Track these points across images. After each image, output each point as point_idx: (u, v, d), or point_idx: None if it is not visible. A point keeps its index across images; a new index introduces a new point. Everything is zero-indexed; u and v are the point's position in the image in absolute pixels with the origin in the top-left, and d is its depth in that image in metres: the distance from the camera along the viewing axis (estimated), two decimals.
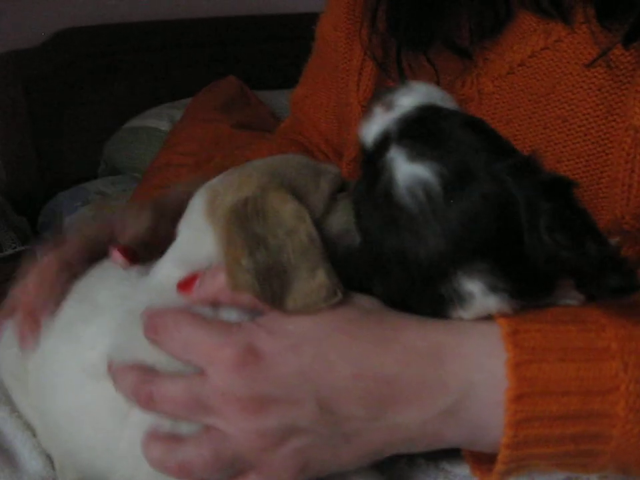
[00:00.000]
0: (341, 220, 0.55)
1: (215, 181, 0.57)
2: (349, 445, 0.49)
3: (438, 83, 0.79)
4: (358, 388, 0.49)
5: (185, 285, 0.54)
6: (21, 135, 2.25)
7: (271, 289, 0.49)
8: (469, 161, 0.49)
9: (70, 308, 0.61)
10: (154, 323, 0.52)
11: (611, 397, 0.47)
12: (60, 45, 2.29)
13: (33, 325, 0.61)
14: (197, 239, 0.55)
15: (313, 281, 0.50)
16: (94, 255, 0.65)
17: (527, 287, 0.50)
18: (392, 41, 0.81)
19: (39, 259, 0.65)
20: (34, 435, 0.64)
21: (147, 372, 0.52)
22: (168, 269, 0.56)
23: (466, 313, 0.50)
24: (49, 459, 0.63)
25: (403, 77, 0.81)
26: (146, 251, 0.66)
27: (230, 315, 0.52)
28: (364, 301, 0.52)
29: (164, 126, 2.23)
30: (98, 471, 0.57)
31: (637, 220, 0.66)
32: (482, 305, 0.49)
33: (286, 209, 0.51)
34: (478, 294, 0.49)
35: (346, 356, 0.49)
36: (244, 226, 0.50)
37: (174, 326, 0.51)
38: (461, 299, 0.49)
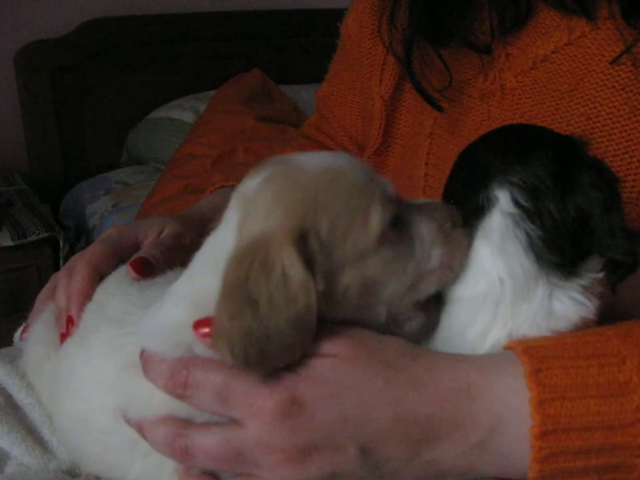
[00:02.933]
0: (378, 265, 0.51)
1: (246, 198, 0.51)
2: None
3: (450, 81, 0.80)
4: (397, 431, 0.49)
5: (201, 324, 0.50)
6: (46, 124, 2.27)
7: (246, 353, 0.46)
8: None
9: (86, 315, 0.63)
10: (180, 378, 0.50)
11: (632, 429, 0.49)
12: (86, 35, 2.31)
13: (64, 326, 0.64)
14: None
15: (294, 355, 0.48)
16: (120, 259, 0.68)
17: (554, 235, 0.55)
18: (412, 37, 0.81)
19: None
20: None
21: (180, 424, 0.51)
22: (178, 309, 0.53)
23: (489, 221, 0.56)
24: None
25: (412, 75, 0.81)
26: (169, 258, 0.68)
27: None
28: (396, 342, 0.53)
29: (187, 117, 2.24)
30: (103, 470, 0.59)
31: None
32: (501, 216, 0.55)
33: (294, 275, 0.46)
34: (502, 199, 0.55)
35: (384, 401, 0.49)
36: (244, 281, 0.46)
37: (204, 378, 0.49)
38: (489, 202, 0.56)
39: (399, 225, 0.53)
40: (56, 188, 2.30)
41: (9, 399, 0.68)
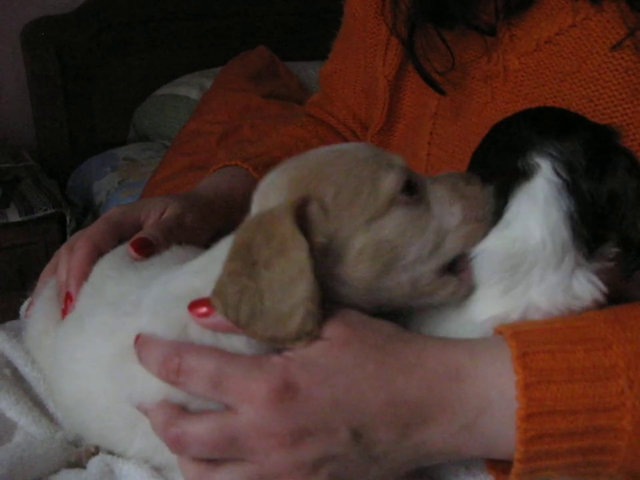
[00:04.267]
0: (390, 227, 0.53)
1: (265, 182, 0.56)
2: (377, 464, 0.52)
3: (453, 63, 0.79)
4: (387, 414, 0.51)
5: (196, 305, 0.52)
6: (53, 101, 2.28)
7: (238, 310, 0.48)
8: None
9: (82, 296, 0.64)
10: (173, 365, 0.51)
11: (617, 413, 0.50)
12: (93, 12, 2.31)
13: (65, 303, 0.65)
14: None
15: (288, 327, 0.49)
16: (120, 237, 0.69)
17: (585, 212, 0.57)
18: (415, 19, 0.81)
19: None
20: None
21: (173, 412, 0.51)
22: (185, 285, 0.55)
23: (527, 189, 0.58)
24: None
25: (415, 58, 0.81)
26: (170, 238, 0.69)
27: (231, 341, 0.52)
28: (386, 326, 0.53)
29: (194, 94, 2.24)
30: (104, 444, 0.60)
31: None
32: (546, 182, 0.57)
33: (289, 238, 0.49)
34: (545, 167, 0.57)
35: (375, 385, 0.51)
36: (247, 245, 0.50)
37: (197, 364, 0.50)
38: (530, 168, 0.58)
39: (412, 191, 0.54)
40: (64, 164, 2.31)
41: (15, 371, 0.69)
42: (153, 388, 0.52)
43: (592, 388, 0.50)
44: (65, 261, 0.68)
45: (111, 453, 0.59)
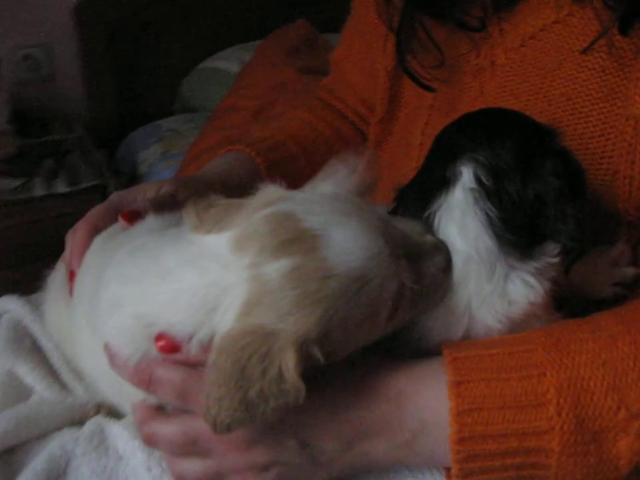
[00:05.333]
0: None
1: (264, 278, 0.51)
2: (324, 469, 0.59)
3: (443, 60, 0.81)
4: (332, 429, 0.57)
5: (160, 339, 0.55)
6: (102, 73, 2.37)
7: (229, 428, 0.50)
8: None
9: (76, 282, 0.70)
10: (144, 376, 0.56)
11: (546, 436, 0.54)
12: None
13: (70, 281, 0.72)
14: (209, 272, 0.53)
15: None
16: (117, 217, 0.74)
17: (511, 216, 0.58)
18: (409, 12, 0.82)
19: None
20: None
21: (147, 413, 0.59)
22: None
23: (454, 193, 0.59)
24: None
25: (401, 55, 0.82)
26: (162, 211, 0.73)
27: None
28: None
29: (234, 68, 2.28)
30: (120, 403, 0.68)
31: None
32: (462, 191, 0.59)
33: (288, 379, 0.48)
34: (465, 175, 0.59)
35: (321, 404, 0.56)
36: (239, 370, 0.49)
37: (165, 377, 0.56)
38: (454, 177, 0.59)
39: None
40: (113, 135, 2.40)
41: (34, 342, 0.77)
42: (131, 388, 0.59)
43: (522, 414, 0.54)
44: (69, 243, 0.74)
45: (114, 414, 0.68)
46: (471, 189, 0.58)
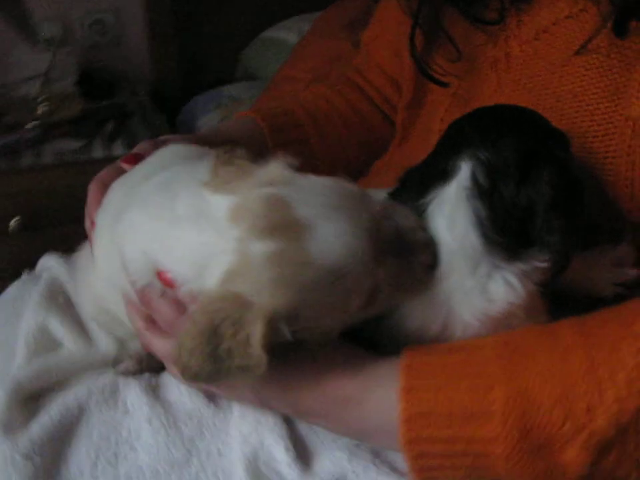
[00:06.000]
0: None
1: (251, 254, 0.55)
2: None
3: (460, 54, 0.82)
4: (283, 400, 0.63)
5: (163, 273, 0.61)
6: (167, 38, 2.42)
7: (197, 378, 0.57)
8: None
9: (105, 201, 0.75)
10: (147, 299, 0.64)
11: (491, 444, 0.56)
12: None
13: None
14: (206, 233, 0.57)
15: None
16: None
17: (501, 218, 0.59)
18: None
19: None
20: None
21: (149, 324, 0.66)
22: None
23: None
24: (117, 342, 0.80)
25: (414, 50, 0.84)
26: None
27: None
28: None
29: (292, 38, 2.30)
30: None
31: None
32: (456, 187, 0.60)
33: (254, 346, 0.53)
34: (463, 171, 0.60)
35: (277, 387, 0.63)
36: (213, 329, 0.53)
37: (159, 307, 0.63)
38: (453, 170, 0.60)
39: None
40: (175, 100, 2.46)
41: (67, 299, 0.85)
42: None
43: (469, 422, 0.56)
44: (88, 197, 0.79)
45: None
46: (465, 187, 0.59)
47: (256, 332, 0.53)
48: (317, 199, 0.57)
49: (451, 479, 0.60)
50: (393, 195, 0.68)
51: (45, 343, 0.79)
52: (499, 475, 0.58)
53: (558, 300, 0.66)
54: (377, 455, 0.64)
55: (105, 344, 0.80)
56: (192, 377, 0.56)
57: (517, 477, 0.57)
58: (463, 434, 0.56)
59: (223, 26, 2.49)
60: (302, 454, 0.65)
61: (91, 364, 0.77)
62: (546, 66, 0.75)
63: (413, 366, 0.59)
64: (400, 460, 0.60)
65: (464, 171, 0.60)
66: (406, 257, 0.59)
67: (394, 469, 0.63)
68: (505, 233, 0.59)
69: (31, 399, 0.71)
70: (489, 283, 0.59)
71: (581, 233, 0.62)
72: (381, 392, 0.60)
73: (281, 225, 0.55)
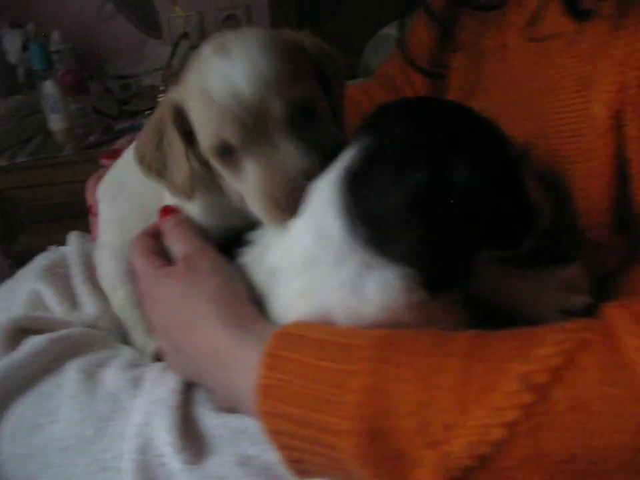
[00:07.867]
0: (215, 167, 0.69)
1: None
2: (181, 355, 0.67)
3: (458, 41, 0.81)
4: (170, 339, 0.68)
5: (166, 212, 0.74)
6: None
7: (149, 168, 0.70)
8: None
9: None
10: (167, 226, 0.73)
11: (340, 438, 0.51)
12: None
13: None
14: None
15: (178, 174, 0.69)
16: None
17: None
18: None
19: None
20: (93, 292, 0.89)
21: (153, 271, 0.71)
22: None
23: None
24: (101, 305, 0.87)
25: (400, 42, 0.86)
26: None
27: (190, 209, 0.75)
28: (216, 280, 0.65)
29: None
30: None
31: (606, 229, 0.60)
32: (341, 164, 0.57)
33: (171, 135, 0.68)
34: (350, 152, 0.57)
35: (174, 324, 0.67)
36: (158, 123, 0.69)
37: (174, 245, 0.72)
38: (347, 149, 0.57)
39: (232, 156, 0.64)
40: None
41: (66, 270, 0.92)
42: None
43: (321, 408, 0.52)
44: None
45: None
46: (345, 167, 0.56)
47: (169, 122, 0.68)
48: None
49: (324, 474, 0.56)
50: None
51: (35, 306, 0.87)
52: (359, 478, 0.53)
53: (498, 319, 0.61)
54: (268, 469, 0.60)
55: (91, 308, 0.86)
56: (146, 168, 0.70)
57: (371, 477, 0.52)
58: (312, 419, 0.52)
59: (345, 24, 2.54)
60: (193, 451, 0.63)
61: (67, 318, 0.84)
62: (531, 57, 0.70)
63: (287, 334, 0.56)
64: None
65: (351, 152, 0.56)
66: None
67: None
68: (381, 230, 0.54)
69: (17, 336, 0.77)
70: (364, 281, 0.55)
71: (447, 245, 0.55)
72: (248, 352, 0.57)
73: None
